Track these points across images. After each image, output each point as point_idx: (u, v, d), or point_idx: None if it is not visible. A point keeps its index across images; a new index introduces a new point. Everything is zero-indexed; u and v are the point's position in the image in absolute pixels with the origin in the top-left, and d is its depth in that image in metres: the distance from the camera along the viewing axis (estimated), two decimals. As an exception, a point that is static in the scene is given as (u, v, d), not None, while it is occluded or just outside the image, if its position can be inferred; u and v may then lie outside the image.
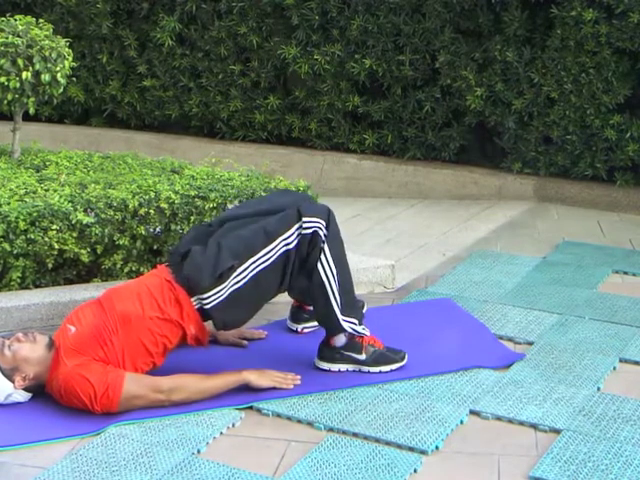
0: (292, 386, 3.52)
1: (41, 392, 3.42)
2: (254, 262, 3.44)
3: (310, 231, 3.45)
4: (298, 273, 3.51)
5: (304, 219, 3.45)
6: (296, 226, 3.45)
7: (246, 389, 3.48)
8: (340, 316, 3.53)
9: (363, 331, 3.61)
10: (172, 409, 3.37)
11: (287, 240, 3.45)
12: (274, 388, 3.50)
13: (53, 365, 3.35)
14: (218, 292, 3.43)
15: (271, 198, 3.83)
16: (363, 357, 3.65)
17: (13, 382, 3.35)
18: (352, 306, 3.60)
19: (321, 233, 3.45)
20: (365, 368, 3.66)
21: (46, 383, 3.39)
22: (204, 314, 3.50)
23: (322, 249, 3.46)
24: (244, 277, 3.44)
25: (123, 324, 3.39)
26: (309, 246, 3.46)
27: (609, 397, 3.50)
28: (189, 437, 3.22)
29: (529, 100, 6.16)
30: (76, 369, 3.30)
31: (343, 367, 3.66)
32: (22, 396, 3.39)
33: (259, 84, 6.91)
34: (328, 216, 3.50)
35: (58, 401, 3.38)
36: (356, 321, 3.59)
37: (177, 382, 3.40)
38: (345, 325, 3.56)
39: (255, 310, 3.60)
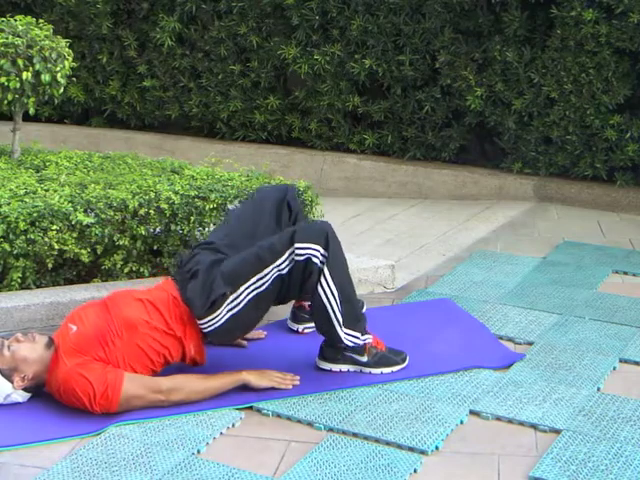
0: (291, 386, 3.52)
1: (40, 392, 3.42)
2: (247, 288, 3.45)
3: (303, 258, 3.41)
4: (299, 291, 3.51)
5: (296, 245, 3.41)
6: (288, 252, 3.42)
7: (246, 389, 3.49)
8: (341, 334, 3.52)
9: (365, 341, 3.61)
10: (172, 409, 3.37)
11: (279, 267, 3.44)
12: (273, 388, 3.50)
13: (52, 364, 3.35)
14: (214, 319, 3.46)
15: (262, 203, 3.80)
16: (365, 359, 3.65)
17: (12, 382, 3.35)
18: (354, 317, 3.56)
19: (316, 260, 3.41)
20: (366, 369, 3.66)
21: (46, 382, 3.39)
22: (204, 335, 3.54)
23: (321, 272, 3.42)
24: (240, 302, 3.46)
25: (128, 328, 3.39)
26: (304, 272, 3.43)
27: (609, 397, 3.50)
28: (189, 437, 3.22)
29: (529, 100, 6.16)
30: (76, 368, 3.30)
31: (344, 367, 3.67)
32: (21, 396, 3.39)
33: (259, 84, 6.91)
34: (326, 237, 3.43)
35: (58, 400, 3.38)
36: (358, 334, 3.57)
37: (176, 382, 3.40)
38: (346, 340, 3.54)
39: (253, 327, 3.64)
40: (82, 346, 3.35)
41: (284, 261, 3.42)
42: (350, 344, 3.56)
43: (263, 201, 3.79)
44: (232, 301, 3.45)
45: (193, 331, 3.49)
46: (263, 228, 3.69)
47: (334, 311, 3.47)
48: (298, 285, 3.46)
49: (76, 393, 3.29)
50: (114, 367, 3.34)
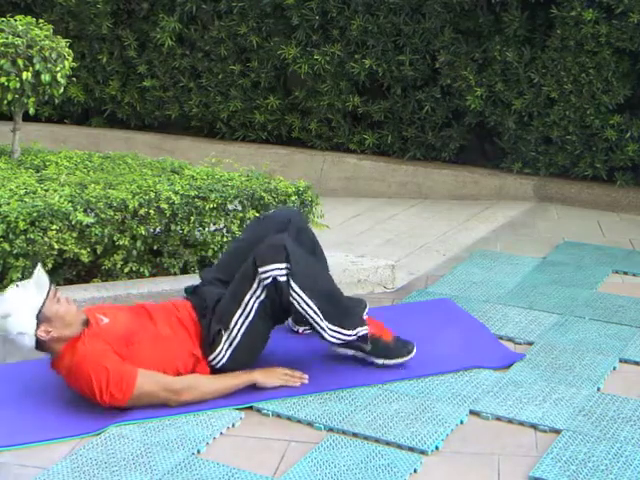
0: (299, 384, 3.54)
1: (42, 351, 3.41)
2: (236, 323, 3.50)
3: (269, 281, 3.46)
4: (286, 310, 3.54)
5: (260, 270, 3.45)
6: (257, 279, 3.47)
7: (248, 388, 3.49)
8: (326, 335, 3.52)
9: (357, 334, 3.59)
10: (172, 409, 3.37)
11: (256, 294, 3.49)
12: (282, 386, 3.52)
13: (73, 341, 3.35)
14: (217, 355, 3.53)
15: (252, 229, 3.86)
16: (369, 347, 3.66)
17: (37, 328, 3.32)
18: (340, 314, 3.56)
19: (282, 278, 3.44)
20: (371, 358, 3.67)
21: (58, 358, 3.38)
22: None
23: (289, 285, 3.45)
24: (235, 336, 3.52)
25: (158, 342, 3.43)
26: (276, 292, 3.47)
27: (609, 397, 3.50)
28: (189, 437, 3.22)
29: (529, 100, 6.16)
30: (95, 353, 3.30)
31: (350, 352, 3.69)
32: (29, 342, 3.36)
33: (259, 84, 6.91)
34: (284, 250, 3.45)
35: (65, 381, 3.38)
36: (345, 330, 3.55)
37: (189, 383, 3.42)
38: (332, 339, 3.54)
39: (261, 351, 3.65)
40: (108, 336, 3.36)
41: (257, 288, 3.48)
42: (336, 341, 3.57)
43: (266, 228, 3.77)
44: (228, 337, 3.52)
45: (205, 364, 3.56)
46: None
47: (313, 317, 3.49)
48: (278, 304, 3.50)
49: (89, 378, 3.28)
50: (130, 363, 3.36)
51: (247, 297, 3.48)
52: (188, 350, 3.50)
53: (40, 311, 3.32)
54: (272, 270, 3.44)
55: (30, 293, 3.34)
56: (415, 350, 3.71)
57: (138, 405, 3.34)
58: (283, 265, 3.44)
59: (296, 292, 3.45)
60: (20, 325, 3.33)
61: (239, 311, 3.49)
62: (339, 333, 3.55)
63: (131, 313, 3.53)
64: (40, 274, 3.39)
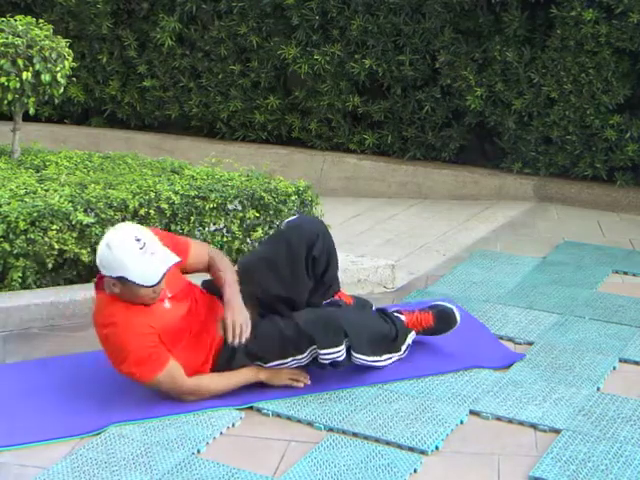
0: (302, 385, 3.55)
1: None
2: (268, 366, 3.53)
3: (328, 361, 3.50)
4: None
5: (319, 351, 3.47)
6: (309, 350, 3.49)
7: (248, 388, 3.49)
8: (384, 365, 3.65)
9: (404, 354, 3.71)
10: (172, 409, 3.37)
11: (301, 361, 3.52)
12: (286, 386, 3.54)
13: (130, 303, 3.34)
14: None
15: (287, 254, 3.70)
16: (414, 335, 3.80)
17: (112, 278, 3.31)
18: (389, 343, 3.66)
19: (341, 357, 3.48)
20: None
21: (107, 297, 3.38)
22: None
23: (350, 356, 3.51)
24: None
25: (185, 349, 3.43)
26: (331, 364, 3.52)
27: (609, 397, 3.50)
28: (189, 437, 3.22)
29: (529, 100, 6.16)
30: (140, 325, 3.29)
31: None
32: (99, 264, 3.35)
33: (259, 84, 6.91)
34: (343, 331, 3.47)
35: (97, 334, 3.39)
36: (397, 353, 3.69)
37: (199, 385, 3.42)
38: (388, 364, 3.65)
39: None
40: (159, 320, 3.35)
41: (305, 357, 3.52)
42: (390, 363, 3.66)
43: (290, 244, 3.70)
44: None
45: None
46: (290, 272, 3.67)
47: (371, 365, 3.60)
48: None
49: (123, 344, 3.29)
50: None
51: (290, 358, 3.51)
52: (201, 361, 3.49)
53: (130, 281, 3.29)
54: (333, 354, 3.47)
55: (147, 263, 3.28)
56: (457, 313, 3.81)
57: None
58: (343, 345, 3.48)
59: (358, 357, 3.54)
60: (105, 263, 3.32)
61: (276, 362, 3.52)
62: (392, 358, 3.67)
63: (186, 312, 3.46)
64: (169, 264, 3.31)
